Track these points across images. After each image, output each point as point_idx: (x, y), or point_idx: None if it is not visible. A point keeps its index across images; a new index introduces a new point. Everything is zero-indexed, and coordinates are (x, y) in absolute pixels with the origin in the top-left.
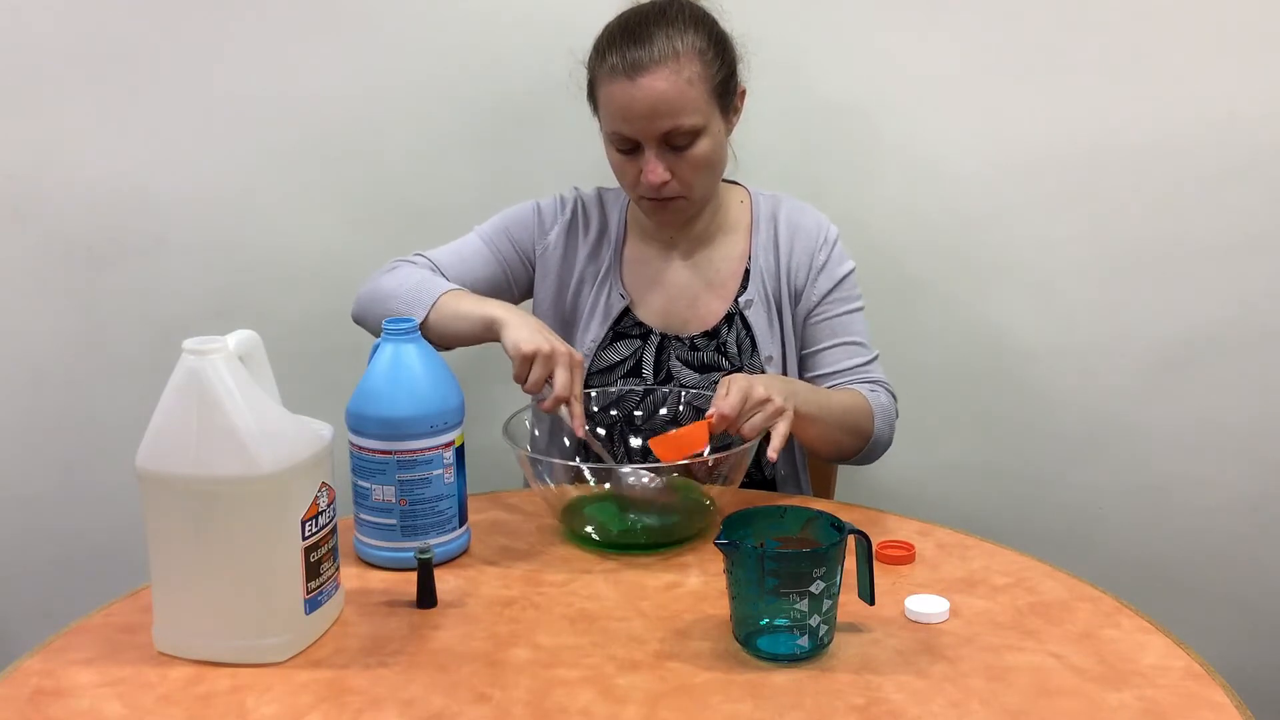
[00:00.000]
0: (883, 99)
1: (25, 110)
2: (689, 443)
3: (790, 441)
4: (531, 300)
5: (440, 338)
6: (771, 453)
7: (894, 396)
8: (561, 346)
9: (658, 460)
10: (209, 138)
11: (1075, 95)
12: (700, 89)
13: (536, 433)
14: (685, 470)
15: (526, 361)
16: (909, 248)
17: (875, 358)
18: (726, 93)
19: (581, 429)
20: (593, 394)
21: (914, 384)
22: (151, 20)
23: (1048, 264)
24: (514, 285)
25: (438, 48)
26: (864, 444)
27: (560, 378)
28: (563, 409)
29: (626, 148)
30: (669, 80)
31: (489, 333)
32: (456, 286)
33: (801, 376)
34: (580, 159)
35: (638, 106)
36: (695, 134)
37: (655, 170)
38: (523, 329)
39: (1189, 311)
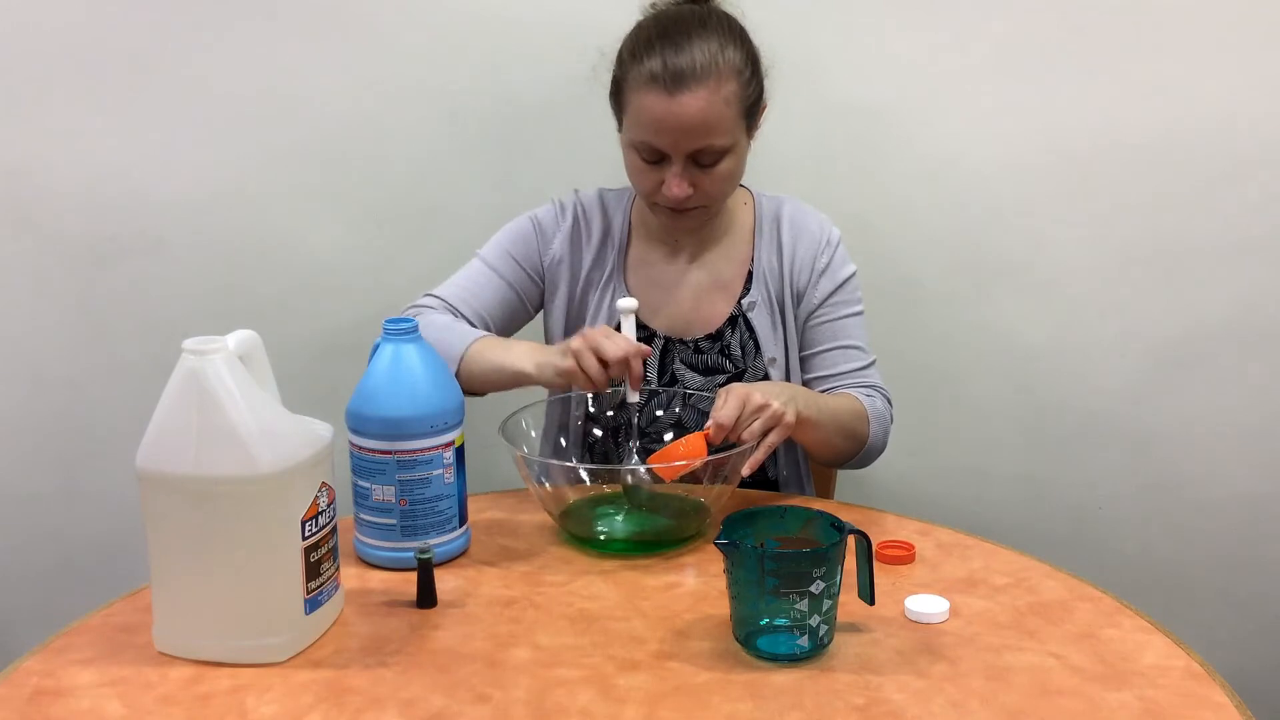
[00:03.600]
0: (883, 99)
1: (25, 110)
2: (687, 457)
3: (793, 445)
4: (543, 311)
5: (471, 389)
6: (746, 469)
7: (889, 402)
8: (576, 341)
9: (660, 461)
10: (209, 138)
11: (1076, 96)
12: (734, 109)
13: (534, 433)
14: (688, 474)
15: (576, 375)
16: (909, 247)
17: (873, 363)
18: (754, 111)
19: (638, 385)
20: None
21: (914, 383)
22: (152, 20)
23: (1048, 264)
24: (527, 303)
25: (439, 48)
26: (859, 448)
27: (609, 350)
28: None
29: (653, 158)
30: (707, 100)
31: (520, 383)
32: (477, 335)
33: (800, 378)
34: (583, 160)
35: (673, 123)
36: (723, 152)
37: (680, 185)
38: (547, 368)
39: (1189, 311)
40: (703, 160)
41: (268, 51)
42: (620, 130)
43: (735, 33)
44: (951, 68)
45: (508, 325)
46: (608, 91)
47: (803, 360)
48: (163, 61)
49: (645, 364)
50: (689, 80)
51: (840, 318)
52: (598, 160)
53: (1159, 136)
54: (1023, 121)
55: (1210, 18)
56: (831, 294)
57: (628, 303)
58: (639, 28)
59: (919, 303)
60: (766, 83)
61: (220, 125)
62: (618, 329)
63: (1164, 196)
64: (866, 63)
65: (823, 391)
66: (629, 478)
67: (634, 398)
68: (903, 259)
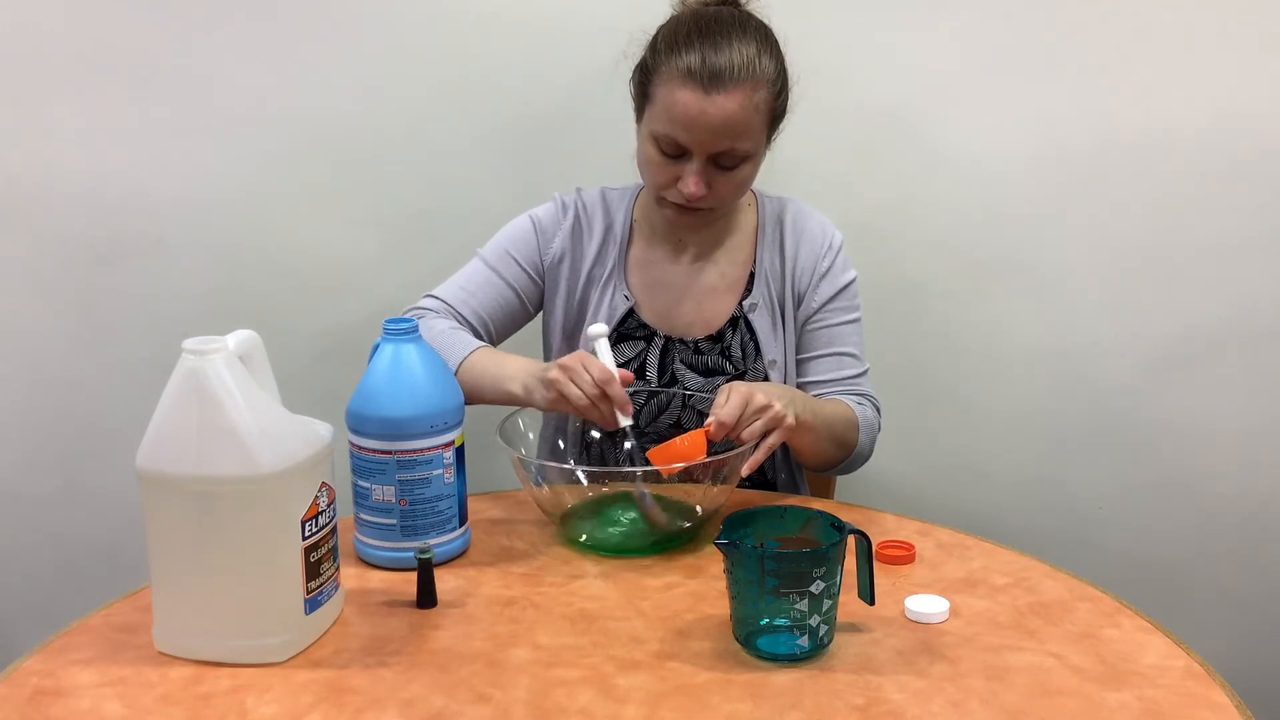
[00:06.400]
0: (883, 100)
1: (26, 110)
2: (687, 453)
3: (785, 447)
4: (544, 310)
5: (466, 399)
6: (746, 468)
7: (879, 411)
8: (554, 372)
9: (660, 455)
10: (209, 138)
11: (1076, 95)
12: (763, 116)
13: (531, 435)
14: (684, 473)
15: (561, 405)
16: (910, 247)
17: (866, 371)
18: (778, 122)
19: (627, 410)
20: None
21: (915, 383)
22: (153, 21)
23: (1048, 264)
24: (527, 303)
25: (439, 49)
26: (847, 455)
27: (585, 383)
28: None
29: (673, 152)
30: (740, 103)
31: (511, 403)
32: (475, 346)
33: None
34: (584, 160)
35: (705, 122)
36: (745, 158)
37: (697, 184)
38: (535, 394)
39: (1189, 311)
40: (723, 163)
41: (268, 52)
42: (639, 119)
43: (771, 42)
44: (951, 68)
45: (507, 325)
46: (630, 78)
47: (797, 364)
48: (163, 62)
49: (645, 363)
50: (725, 81)
51: (837, 324)
52: (599, 160)
53: (1159, 136)
54: (1023, 122)
55: (1209, 18)
56: (831, 299)
57: (597, 329)
58: (677, 21)
59: (919, 303)
60: (790, 96)
61: (220, 126)
62: (618, 328)
63: (1164, 196)
64: (866, 64)
65: (814, 396)
66: (640, 490)
67: (624, 421)
68: (903, 259)
